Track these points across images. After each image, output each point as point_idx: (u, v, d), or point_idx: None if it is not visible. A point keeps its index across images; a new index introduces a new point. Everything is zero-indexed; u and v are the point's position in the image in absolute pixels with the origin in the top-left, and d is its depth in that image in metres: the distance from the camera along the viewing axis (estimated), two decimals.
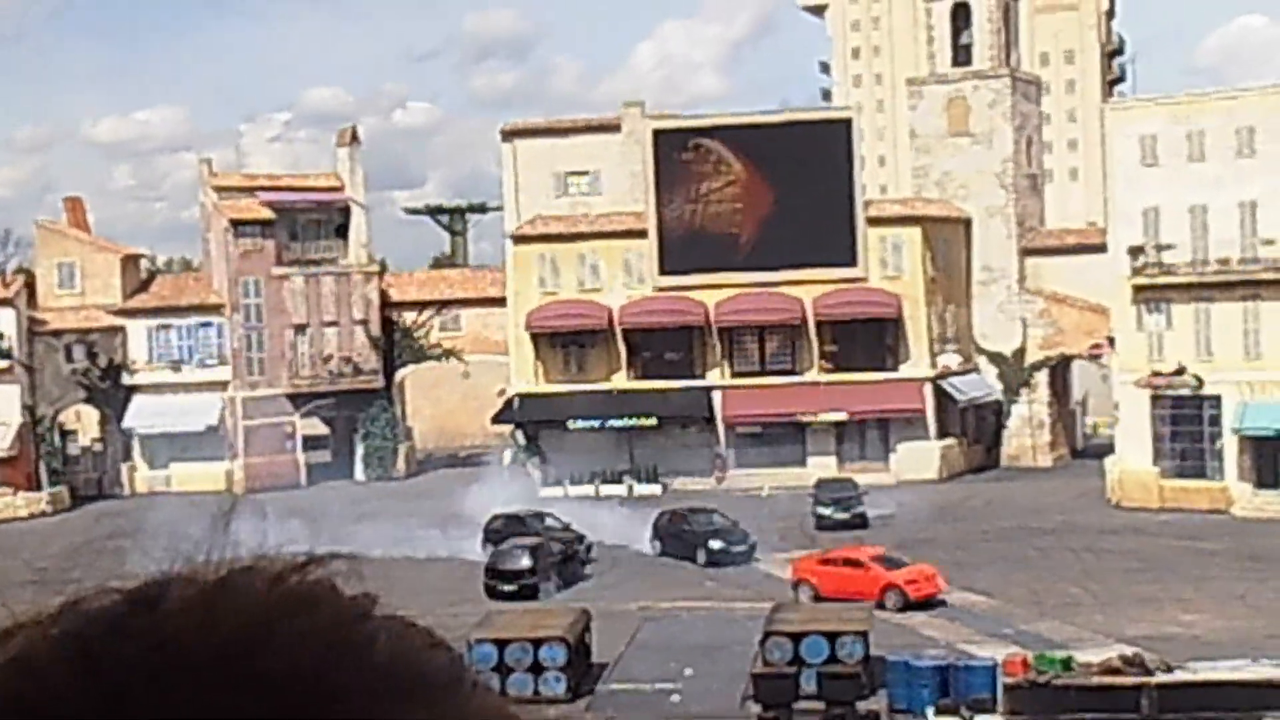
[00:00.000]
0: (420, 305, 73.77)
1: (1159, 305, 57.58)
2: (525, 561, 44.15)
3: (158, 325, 70.83)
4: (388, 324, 73.07)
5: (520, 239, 69.87)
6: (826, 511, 53.71)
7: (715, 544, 48.38)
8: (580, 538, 49.18)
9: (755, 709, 30.01)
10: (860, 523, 52.90)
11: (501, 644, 32.65)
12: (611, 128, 71.80)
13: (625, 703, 32.40)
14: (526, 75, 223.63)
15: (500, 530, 49.80)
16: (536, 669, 32.82)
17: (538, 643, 32.88)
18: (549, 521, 50.87)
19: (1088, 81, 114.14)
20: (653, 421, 66.15)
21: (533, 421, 67.93)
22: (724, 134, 68.07)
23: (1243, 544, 48.90)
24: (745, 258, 66.63)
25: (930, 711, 29.51)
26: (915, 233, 66.87)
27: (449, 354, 73.79)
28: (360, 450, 72.46)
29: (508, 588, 42.97)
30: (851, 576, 41.21)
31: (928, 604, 40.67)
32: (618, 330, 67.61)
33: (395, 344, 73.24)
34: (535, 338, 68.59)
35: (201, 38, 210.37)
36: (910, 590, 40.69)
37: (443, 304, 73.74)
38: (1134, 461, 57.92)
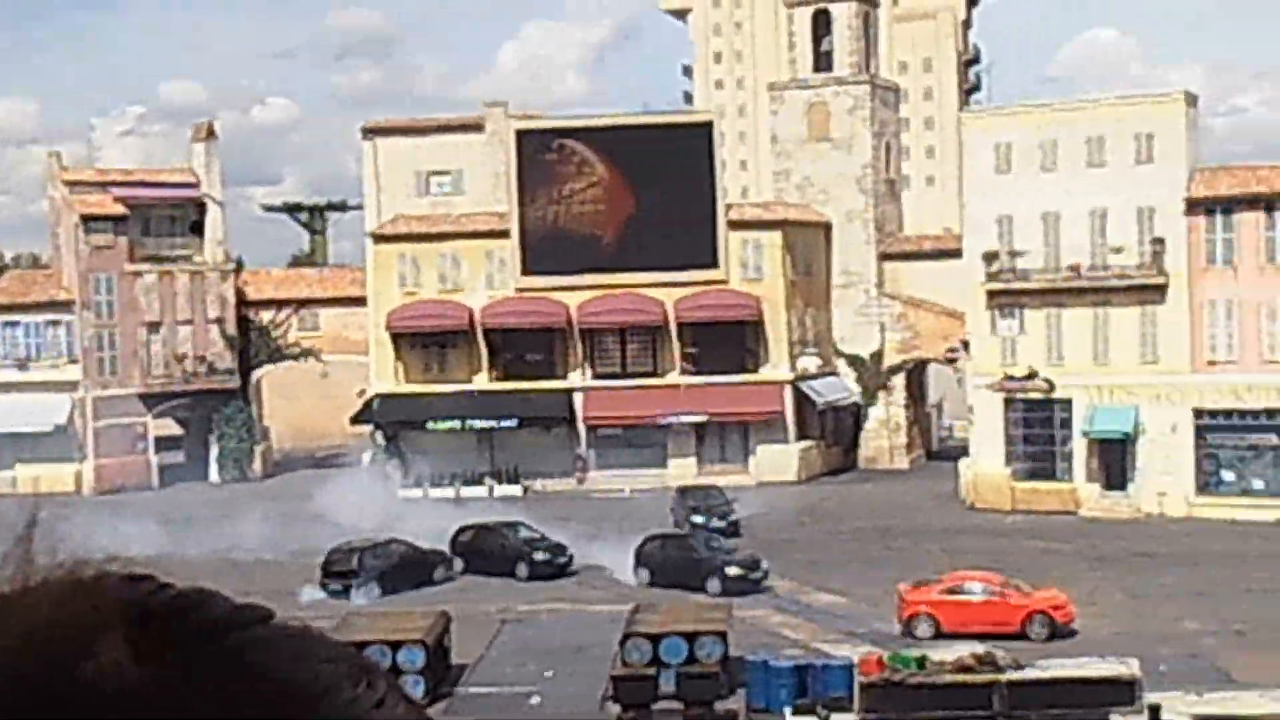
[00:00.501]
0: (278, 304, 72.73)
1: (1012, 310, 58.74)
2: (351, 564, 44.86)
3: (4, 322, 68.98)
4: (244, 323, 71.91)
5: (381, 238, 69.22)
6: (700, 520, 52.44)
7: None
8: (433, 550, 47.20)
9: (614, 710, 30.01)
10: (734, 530, 52.25)
11: (359, 646, 32.07)
12: (474, 127, 71.47)
13: (484, 705, 32.22)
14: (388, 74, 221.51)
15: (469, 542, 47.79)
16: (394, 672, 32.49)
17: (395, 645, 32.57)
18: (524, 532, 48.10)
19: (945, 90, 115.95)
20: (514, 423, 65.94)
21: (392, 422, 67.33)
22: (587, 135, 68.09)
23: (1090, 544, 50.07)
24: (607, 259, 66.71)
25: (788, 711, 29.74)
26: (776, 236, 67.47)
27: (307, 354, 72.83)
28: (215, 451, 71.21)
29: (334, 586, 44.31)
30: (985, 606, 37.44)
31: (1068, 633, 37.15)
32: (479, 331, 67.29)
33: (252, 343, 72.11)
34: (395, 338, 68.00)
35: (52, 28, 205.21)
36: (1058, 616, 37.31)
37: (301, 303, 72.77)
38: (987, 463, 59.03)
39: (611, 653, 32.06)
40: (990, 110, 68.36)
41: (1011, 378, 58.35)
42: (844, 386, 69.92)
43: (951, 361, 69.16)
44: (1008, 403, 58.67)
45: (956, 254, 62.31)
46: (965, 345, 62.25)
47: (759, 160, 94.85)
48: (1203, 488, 55.51)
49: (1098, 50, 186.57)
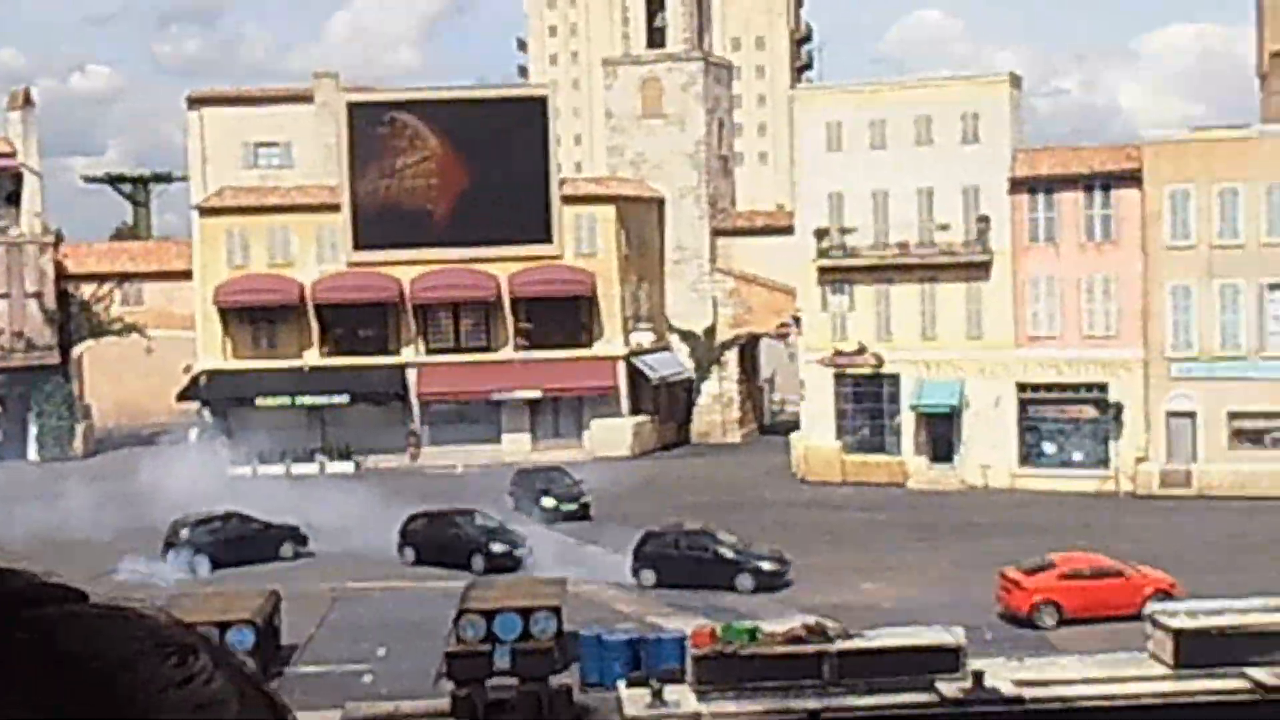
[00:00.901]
0: (100, 278, 70.76)
1: (842, 287, 59.58)
2: (189, 536, 44.79)
3: None
4: (64, 297, 69.83)
5: (207, 211, 67.71)
6: (551, 504, 50.79)
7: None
8: (281, 525, 46.43)
9: (448, 686, 29.82)
10: (585, 513, 51.36)
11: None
12: (304, 99, 70.24)
13: (315, 685, 31.77)
14: (215, 42, 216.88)
15: (420, 531, 45.25)
16: None
17: (224, 626, 31.93)
18: (479, 521, 45.62)
19: (777, 68, 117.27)
20: (345, 399, 65.12)
21: (221, 399, 66.02)
22: (420, 109, 67.34)
23: (918, 515, 51.12)
24: (441, 234, 66.14)
25: (621, 685, 29.84)
26: (609, 211, 67.51)
27: (131, 329, 70.98)
28: (34, 429, 69.11)
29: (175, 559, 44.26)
30: (1109, 587, 36.34)
31: None
32: (310, 306, 66.26)
33: (72, 318, 70.07)
34: (224, 313, 66.66)
35: None
36: (1175, 592, 36.11)
37: (124, 277, 70.87)
38: (818, 437, 59.88)
39: (446, 630, 31.85)
40: (821, 88, 69.24)
41: (842, 353, 59.24)
42: (677, 361, 70.34)
43: (783, 337, 70.03)
44: (838, 377, 59.56)
45: (788, 230, 62.98)
46: (797, 321, 63.00)
47: (593, 135, 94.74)
48: (1025, 459, 57.00)
49: (926, 31, 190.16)
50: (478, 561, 42.79)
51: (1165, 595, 36.00)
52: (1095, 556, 38.38)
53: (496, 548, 43.47)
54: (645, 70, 71.76)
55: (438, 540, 44.45)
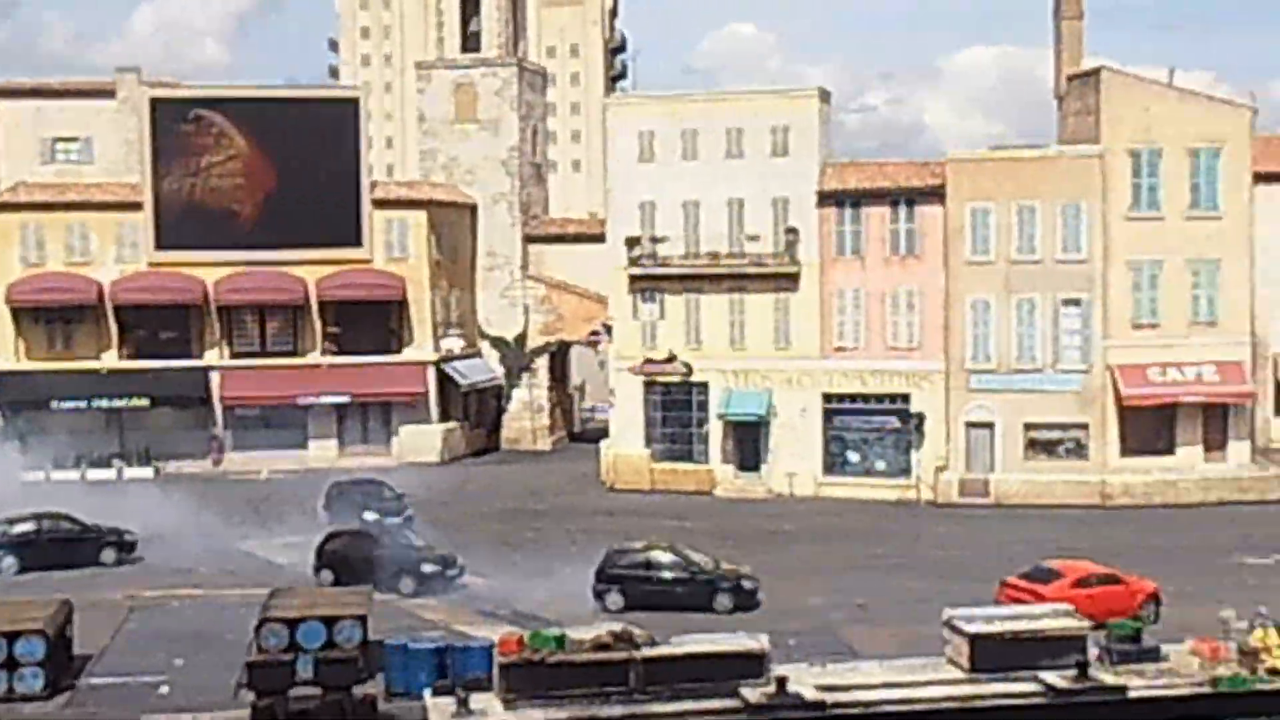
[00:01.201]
0: None
1: (653, 295, 59.95)
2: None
3: None
4: None
5: (1, 206, 65.39)
6: (373, 518, 48.10)
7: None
8: (105, 528, 44.93)
9: (249, 697, 29.15)
10: (408, 526, 48.83)
11: None
12: (105, 93, 68.34)
13: (108, 697, 30.82)
14: (12, 32, 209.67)
15: (338, 551, 41.76)
16: (11, 665, 30.77)
17: (12, 636, 30.82)
18: (406, 539, 42.94)
19: (591, 76, 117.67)
20: (145, 402, 63.47)
21: (13, 401, 63.76)
22: (227, 107, 65.94)
23: (725, 523, 51.62)
24: (247, 235, 64.90)
25: (427, 693, 29.53)
26: (421, 216, 66.95)
27: None
28: None
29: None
30: (1113, 594, 36.69)
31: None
32: (109, 306, 64.41)
33: None
34: (16, 312, 64.45)
35: None
36: (1161, 597, 37.13)
37: None
38: (627, 445, 60.13)
39: (247, 639, 31.15)
40: (634, 98, 69.63)
41: (651, 361, 59.61)
42: (488, 368, 70.08)
43: (594, 344, 70.26)
44: (648, 385, 59.92)
45: (600, 238, 63.17)
46: (608, 329, 63.22)
47: (406, 139, 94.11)
48: (829, 468, 57.99)
49: (739, 44, 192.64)
50: (406, 584, 40.11)
51: (1154, 600, 36.86)
52: (1087, 564, 38.64)
53: (428, 568, 40.54)
54: (459, 75, 71.37)
55: (359, 559, 40.66)
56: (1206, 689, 29.87)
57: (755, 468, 58.93)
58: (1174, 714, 29.41)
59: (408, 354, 66.43)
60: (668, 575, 38.95)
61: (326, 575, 40.89)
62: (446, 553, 41.74)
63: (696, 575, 38.86)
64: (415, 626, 35.62)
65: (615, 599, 38.46)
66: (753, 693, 28.90)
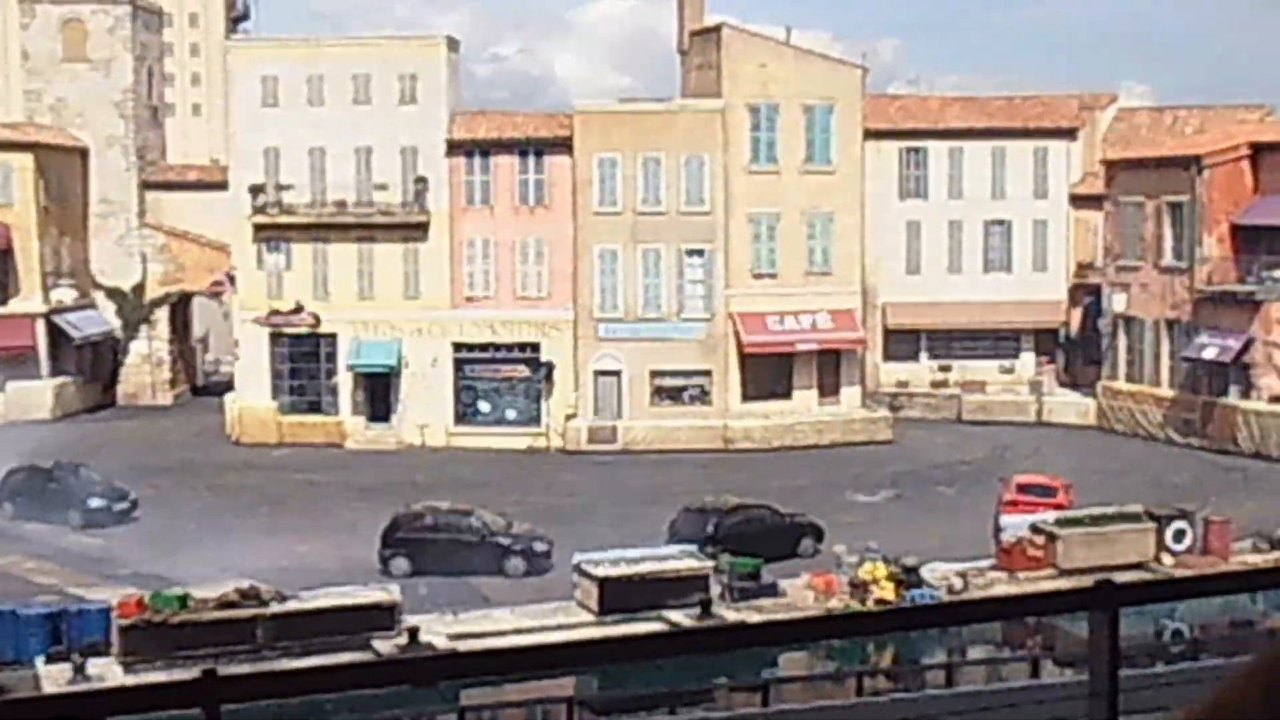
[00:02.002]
0: None
1: (279, 244, 58.48)
2: None
3: None
4: None
5: None
6: (101, 503, 43.29)
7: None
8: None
9: None
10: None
11: None
12: None
13: None
14: None
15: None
16: None
17: None
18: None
19: (211, 17, 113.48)
20: None
21: None
22: None
23: (355, 476, 51.05)
24: None
25: (40, 660, 28.18)
26: (27, 160, 63.19)
27: None
28: None
29: None
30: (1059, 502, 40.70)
31: None
32: None
33: None
34: None
35: None
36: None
37: None
38: (253, 398, 58.64)
39: None
40: (258, 41, 67.55)
41: (278, 312, 58.20)
42: (102, 320, 66.94)
43: (217, 295, 68.01)
44: (274, 337, 58.51)
45: (223, 186, 61.11)
46: (231, 279, 61.36)
47: (9, 79, 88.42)
48: (461, 418, 58.02)
49: None
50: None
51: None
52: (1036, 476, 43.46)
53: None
54: (66, 10, 67.55)
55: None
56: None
57: (386, 419, 58.41)
58: (788, 638, 30.75)
59: (14, 306, 62.77)
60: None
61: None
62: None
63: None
64: (24, 591, 33.88)
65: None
66: (384, 645, 28.73)
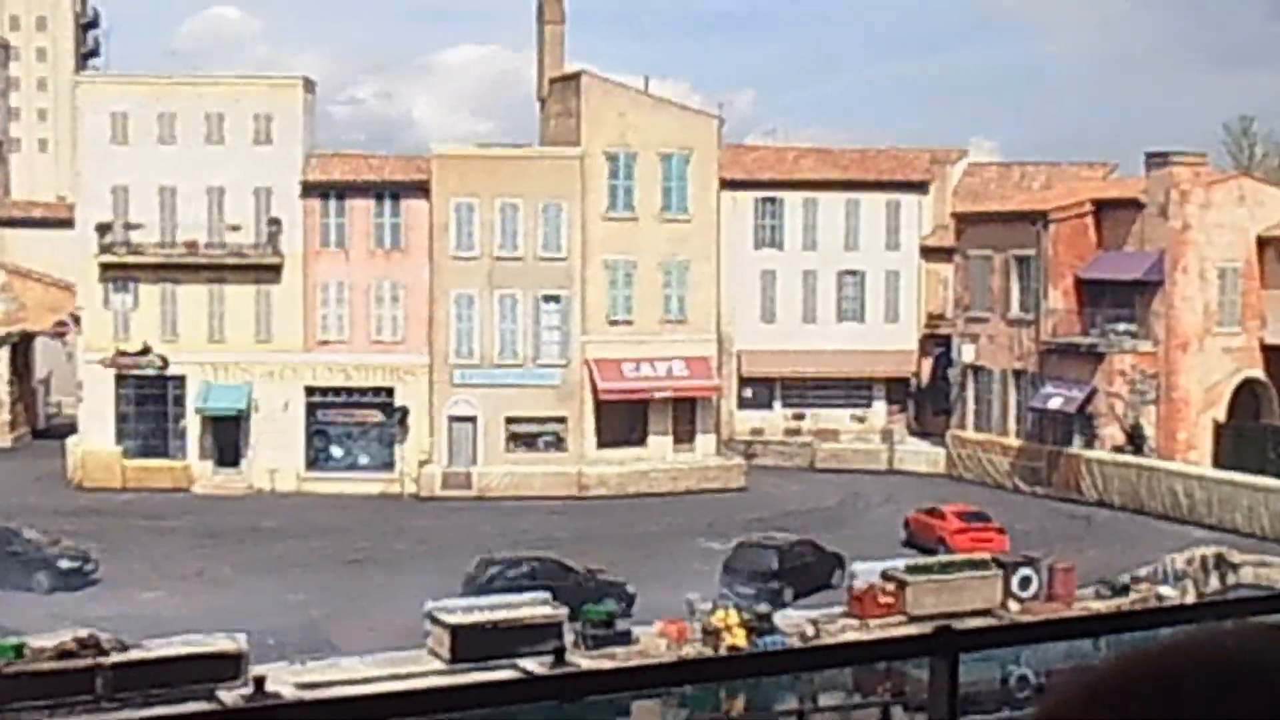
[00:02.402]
0: None
1: (126, 284, 57.26)
2: None
3: None
4: None
5: None
6: None
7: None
8: None
9: None
10: None
11: None
12: None
13: None
14: None
15: None
16: None
17: None
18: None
19: (60, 51, 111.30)
20: None
21: None
22: None
23: (202, 521, 49.96)
24: None
25: None
26: None
27: None
28: None
29: None
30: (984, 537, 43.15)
31: None
32: None
33: None
34: None
35: None
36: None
37: None
38: (97, 441, 57.19)
39: None
40: (108, 77, 66.30)
41: (124, 353, 56.90)
42: None
43: (61, 335, 66.27)
44: (120, 379, 57.16)
45: (69, 224, 59.75)
46: (76, 319, 59.89)
47: None
48: (312, 463, 57.15)
49: (223, 27, 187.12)
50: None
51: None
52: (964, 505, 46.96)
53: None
54: None
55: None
56: None
57: (235, 463, 57.32)
58: (640, 684, 30.66)
59: None
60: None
61: None
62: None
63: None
64: None
65: None
66: (230, 694, 28.07)
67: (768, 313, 63.41)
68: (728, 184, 59.98)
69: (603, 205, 57.23)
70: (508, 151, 57.75)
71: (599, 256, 57.10)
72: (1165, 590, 38.92)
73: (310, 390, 57.02)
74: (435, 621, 31.79)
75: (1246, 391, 53.69)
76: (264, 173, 56.56)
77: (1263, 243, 53.54)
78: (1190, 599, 38.19)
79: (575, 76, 58.91)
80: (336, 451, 57.55)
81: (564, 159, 56.99)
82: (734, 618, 34.03)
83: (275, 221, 56.80)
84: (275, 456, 56.62)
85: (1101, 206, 55.83)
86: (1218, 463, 51.28)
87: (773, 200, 63.37)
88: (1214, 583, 40.63)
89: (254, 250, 56.88)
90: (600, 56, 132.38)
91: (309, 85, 59.08)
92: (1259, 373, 53.75)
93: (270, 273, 56.92)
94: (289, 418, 56.83)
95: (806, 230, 63.39)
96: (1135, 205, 54.37)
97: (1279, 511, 46.27)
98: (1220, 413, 53.08)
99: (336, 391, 57.18)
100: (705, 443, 58.84)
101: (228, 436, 57.25)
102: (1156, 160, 54.26)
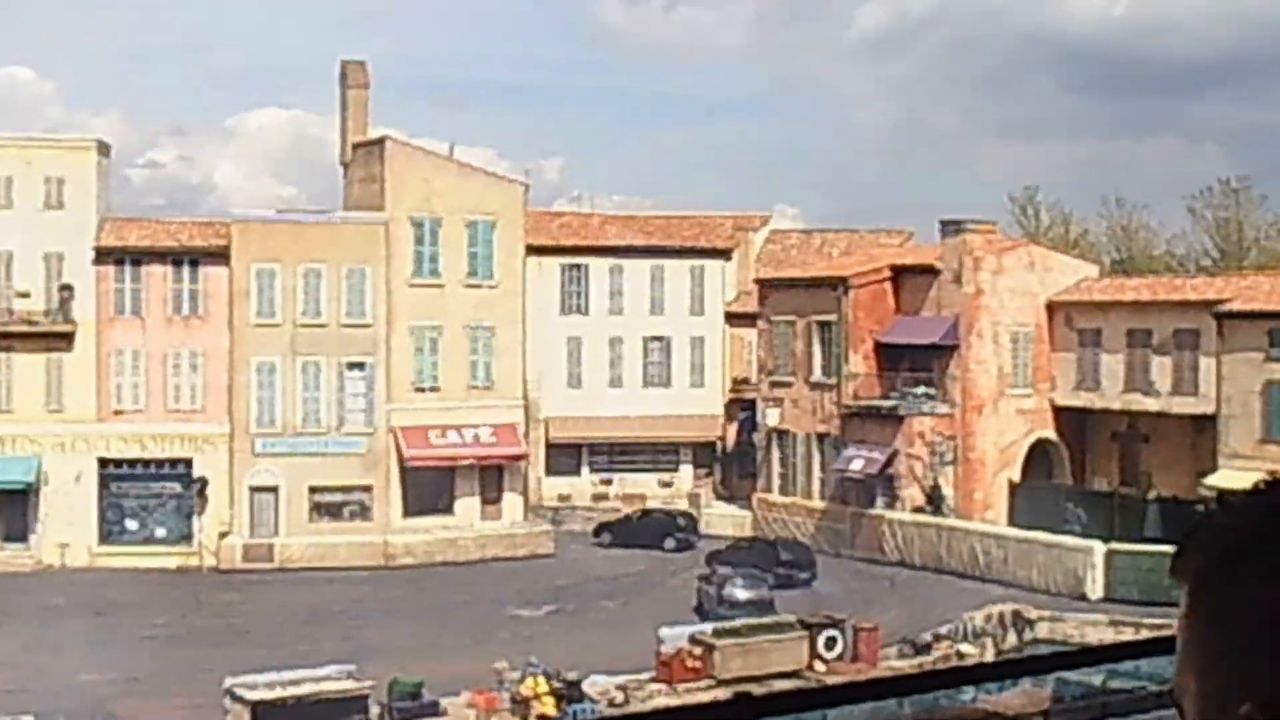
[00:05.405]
0: None
1: None
2: None
3: None
4: None
5: None
6: None
7: None
8: None
9: None
10: None
11: None
12: None
13: None
14: None
15: None
16: None
17: None
18: None
19: None
20: None
21: None
22: None
23: None
24: None
25: None
26: None
27: None
28: None
29: None
30: None
31: None
32: None
33: None
34: None
35: None
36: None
37: None
38: None
39: None
40: None
41: None
42: None
43: None
44: None
45: None
46: None
47: None
48: (106, 537, 55.26)
49: (14, 88, 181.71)
50: None
51: None
52: None
53: None
54: None
55: None
56: None
57: (23, 538, 55.11)
58: None
59: None
60: None
61: None
62: None
63: None
64: None
65: None
66: None
67: (574, 378, 63.45)
68: (534, 250, 60.04)
69: (408, 271, 56.78)
70: (309, 217, 57.00)
71: (404, 323, 56.58)
72: (965, 648, 39.70)
73: (104, 461, 55.22)
74: (235, 698, 30.86)
75: (1039, 451, 55.29)
76: (55, 238, 54.89)
77: (1052, 307, 55.38)
78: (990, 655, 39.02)
79: (379, 142, 58.52)
80: (132, 524, 55.78)
81: (368, 225, 56.46)
82: (543, 686, 33.70)
83: (67, 288, 55.10)
84: (66, 530, 54.61)
85: (899, 273, 57.19)
86: (1013, 521, 52.60)
87: (578, 266, 63.61)
88: (1011, 639, 41.59)
89: (44, 318, 55.07)
90: (405, 122, 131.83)
91: (103, 148, 57.65)
92: (1050, 433, 55.42)
93: (62, 340, 55.13)
94: (81, 490, 54.91)
95: (612, 296, 63.73)
96: (931, 271, 55.83)
97: (1072, 569, 47.61)
98: (1015, 473, 54.54)
99: (132, 463, 55.48)
100: (513, 509, 58.45)
101: (15, 510, 55.05)
102: (951, 228, 55.84)
